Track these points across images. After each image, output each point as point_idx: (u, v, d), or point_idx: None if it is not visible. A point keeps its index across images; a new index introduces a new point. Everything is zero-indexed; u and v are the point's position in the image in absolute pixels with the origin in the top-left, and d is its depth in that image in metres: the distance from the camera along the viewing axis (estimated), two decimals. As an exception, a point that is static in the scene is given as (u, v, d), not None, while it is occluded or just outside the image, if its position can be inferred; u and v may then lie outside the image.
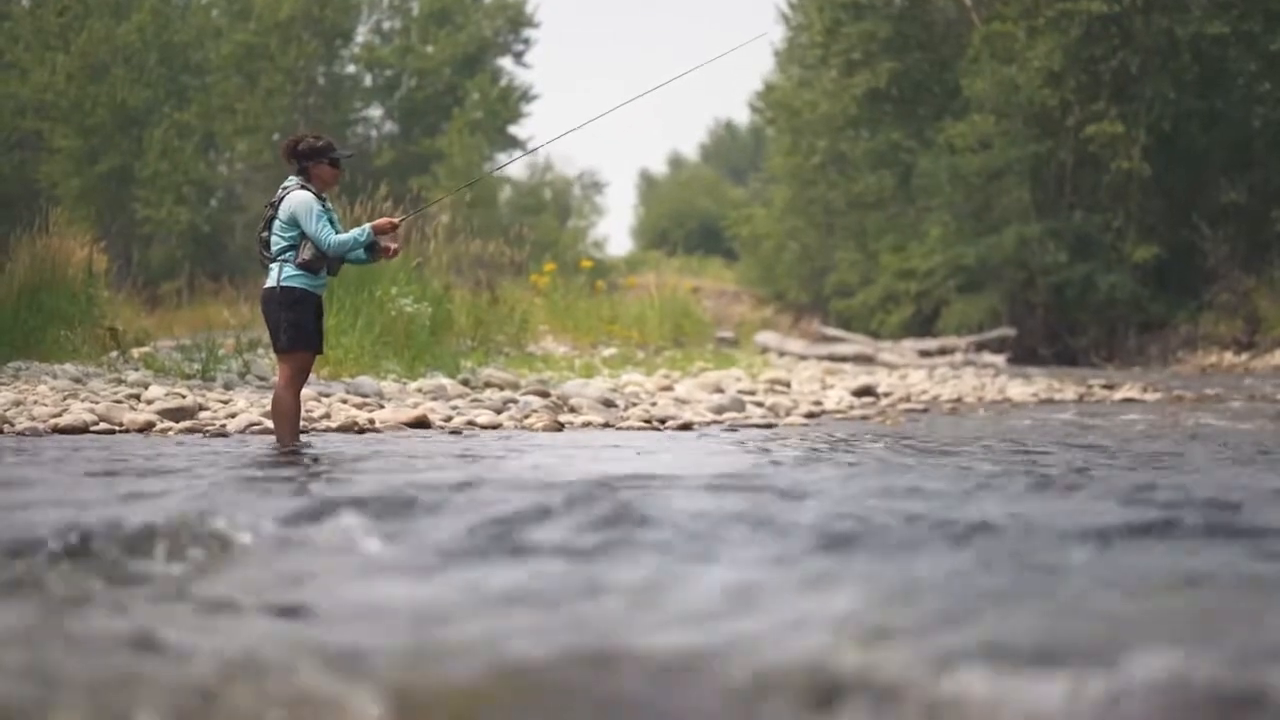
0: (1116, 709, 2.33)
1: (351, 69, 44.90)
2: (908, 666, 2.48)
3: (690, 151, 79.68)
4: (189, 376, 11.88)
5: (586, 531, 4.07)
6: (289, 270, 8.25)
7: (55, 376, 11.36)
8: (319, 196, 8.33)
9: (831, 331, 31.27)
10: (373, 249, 8.42)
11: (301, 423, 8.69)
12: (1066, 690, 2.37)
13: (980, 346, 28.40)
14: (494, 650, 2.67)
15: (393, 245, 8.64)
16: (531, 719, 2.39)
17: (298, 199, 8.26)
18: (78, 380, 11.28)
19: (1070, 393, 16.86)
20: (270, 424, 8.80)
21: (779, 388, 15.28)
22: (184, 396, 10.38)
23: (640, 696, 2.44)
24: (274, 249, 8.29)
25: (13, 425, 9.12)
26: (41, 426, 9.18)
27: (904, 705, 2.35)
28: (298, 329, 8.26)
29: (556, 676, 2.55)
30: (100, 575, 3.46)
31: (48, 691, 2.39)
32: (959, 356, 26.88)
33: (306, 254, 8.23)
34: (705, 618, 2.98)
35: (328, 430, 9.70)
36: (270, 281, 8.33)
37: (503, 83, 44.81)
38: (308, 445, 8.33)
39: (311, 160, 8.39)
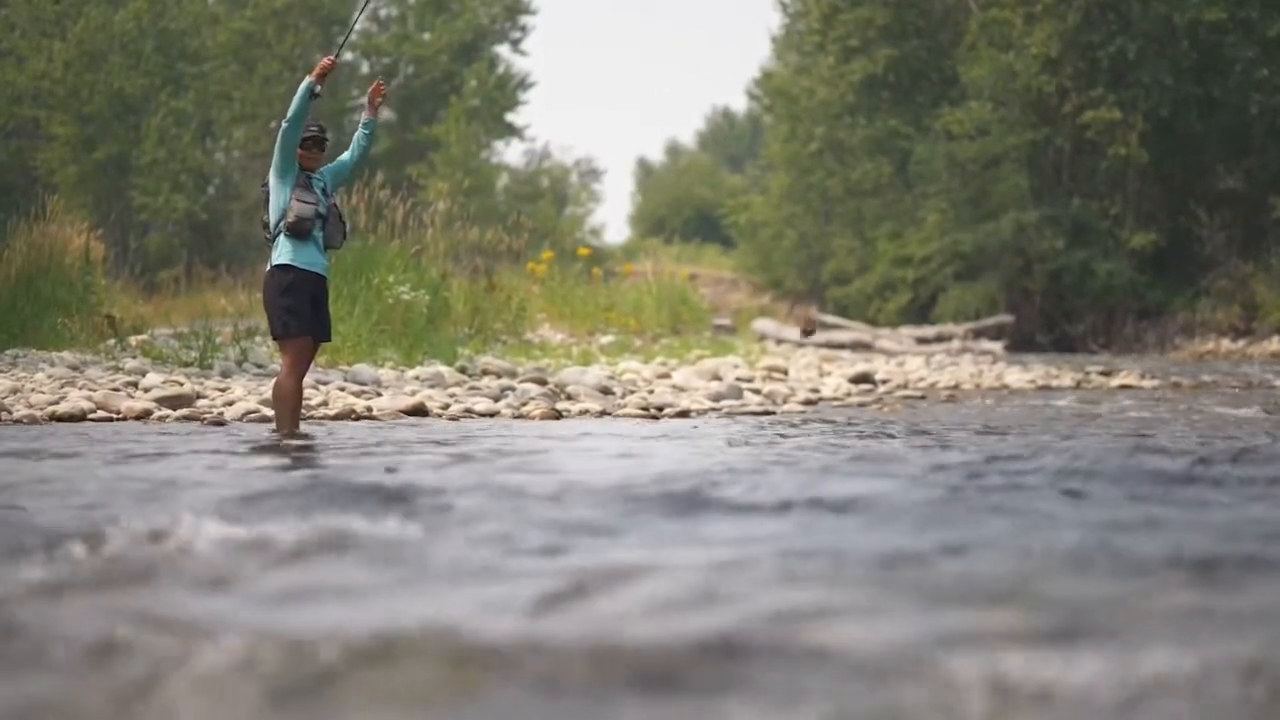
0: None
1: (348, 56, 44.83)
2: None
3: (688, 139, 79.68)
4: (186, 364, 11.88)
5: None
6: (281, 247, 8.26)
7: (53, 364, 11.36)
8: (308, 174, 8.39)
9: (829, 319, 31.23)
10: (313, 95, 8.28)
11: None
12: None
13: (978, 333, 28.38)
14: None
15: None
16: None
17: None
18: (75, 368, 11.29)
19: (1068, 379, 16.88)
20: (268, 411, 8.80)
21: (776, 375, 15.23)
22: (181, 384, 10.38)
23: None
24: (272, 221, 8.33)
25: (10, 413, 9.13)
26: (39, 414, 9.19)
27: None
28: (291, 314, 8.24)
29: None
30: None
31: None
32: (956, 344, 26.84)
33: (292, 216, 8.22)
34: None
35: (325, 418, 9.70)
36: (269, 264, 8.37)
37: (500, 70, 44.76)
38: (306, 434, 8.34)
39: None
